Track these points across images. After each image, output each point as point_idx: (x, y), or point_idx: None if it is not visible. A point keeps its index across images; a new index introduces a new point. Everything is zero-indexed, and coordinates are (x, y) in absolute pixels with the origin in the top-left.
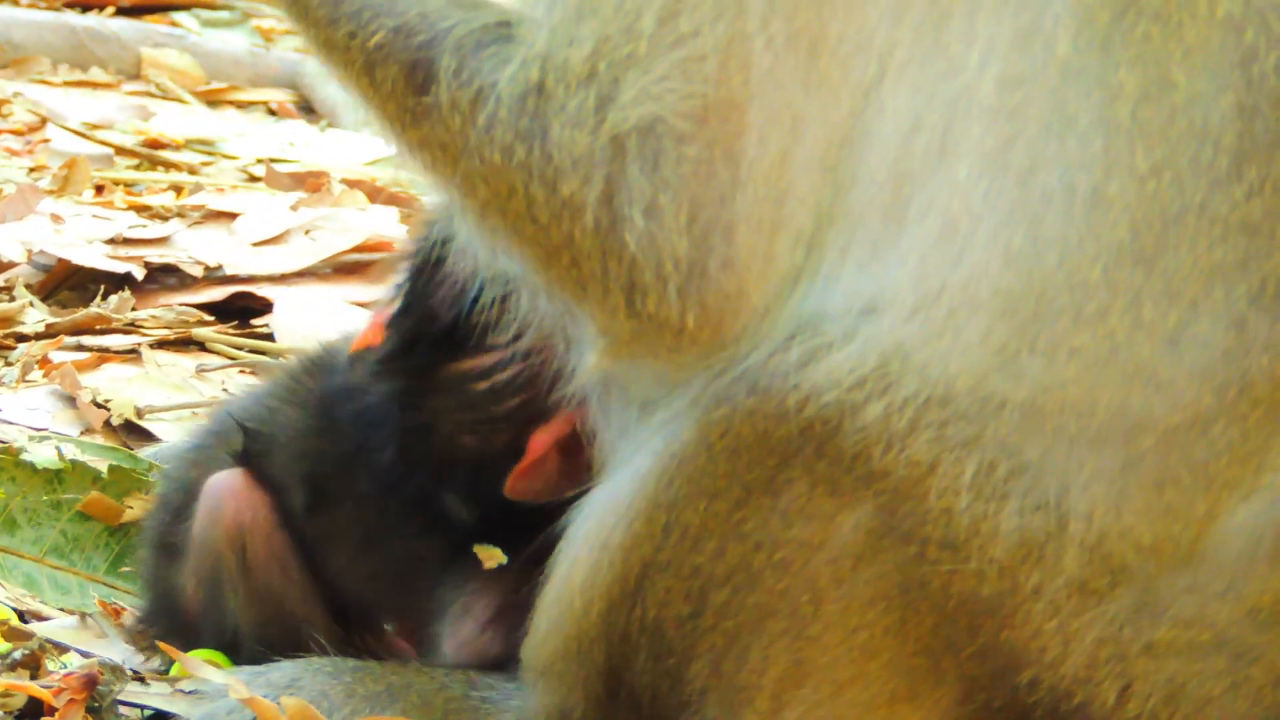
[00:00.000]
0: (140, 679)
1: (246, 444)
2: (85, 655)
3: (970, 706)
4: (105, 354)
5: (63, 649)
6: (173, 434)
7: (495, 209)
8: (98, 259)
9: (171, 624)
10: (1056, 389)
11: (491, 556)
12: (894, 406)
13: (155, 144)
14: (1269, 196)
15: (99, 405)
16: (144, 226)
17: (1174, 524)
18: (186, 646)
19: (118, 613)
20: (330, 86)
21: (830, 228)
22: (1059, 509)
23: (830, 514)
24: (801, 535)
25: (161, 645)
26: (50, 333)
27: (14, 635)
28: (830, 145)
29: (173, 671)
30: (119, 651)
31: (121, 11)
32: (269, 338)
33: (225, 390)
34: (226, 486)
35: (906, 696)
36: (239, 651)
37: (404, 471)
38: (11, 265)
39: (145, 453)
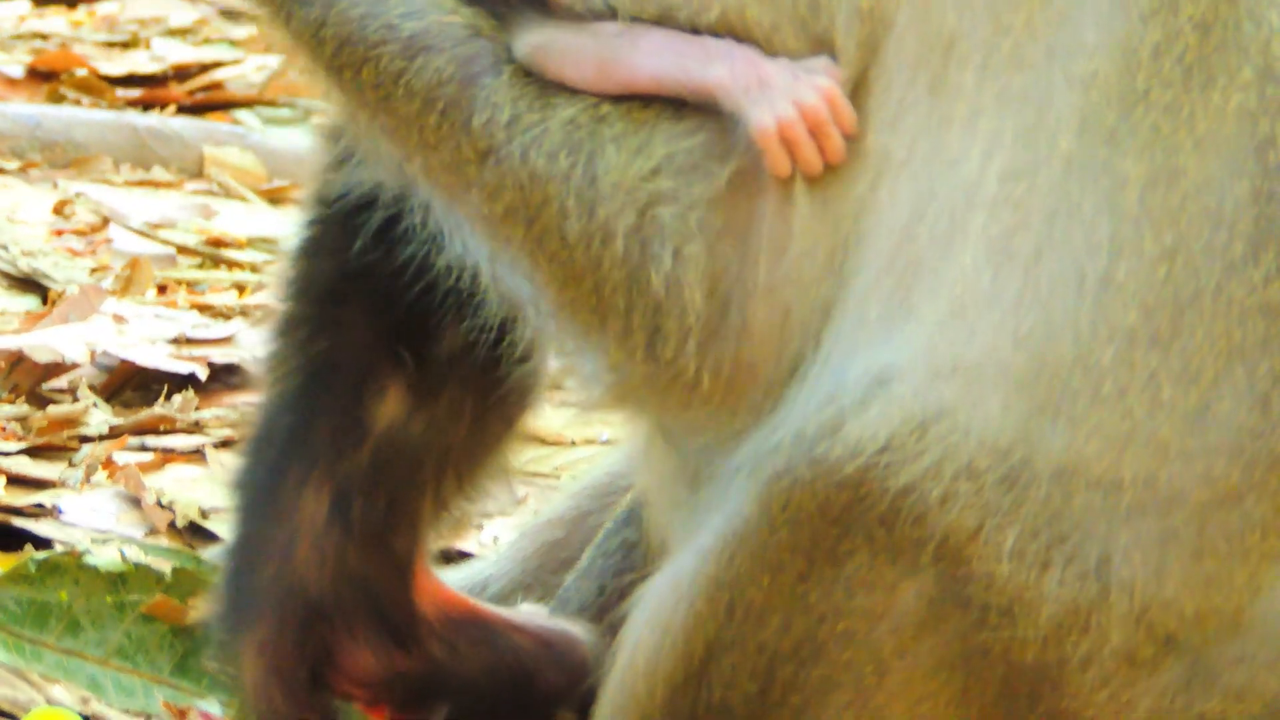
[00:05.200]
0: None
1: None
2: None
3: None
4: (169, 455)
5: None
6: None
7: (520, 218)
8: (161, 359)
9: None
10: (1082, 464)
11: None
12: (927, 472)
13: (218, 243)
14: None
15: (163, 507)
16: (207, 326)
17: (1215, 595)
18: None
19: (183, 714)
20: None
21: (837, 314)
22: (1100, 578)
23: (892, 582)
24: (865, 604)
25: None
26: (114, 434)
27: None
28: (834, 248)
29: None
30: None
31: (183, 110)
32: None
33: None
34: None
35: None
36: None
37: None
38: (74, 366)
39: (210, 554)
